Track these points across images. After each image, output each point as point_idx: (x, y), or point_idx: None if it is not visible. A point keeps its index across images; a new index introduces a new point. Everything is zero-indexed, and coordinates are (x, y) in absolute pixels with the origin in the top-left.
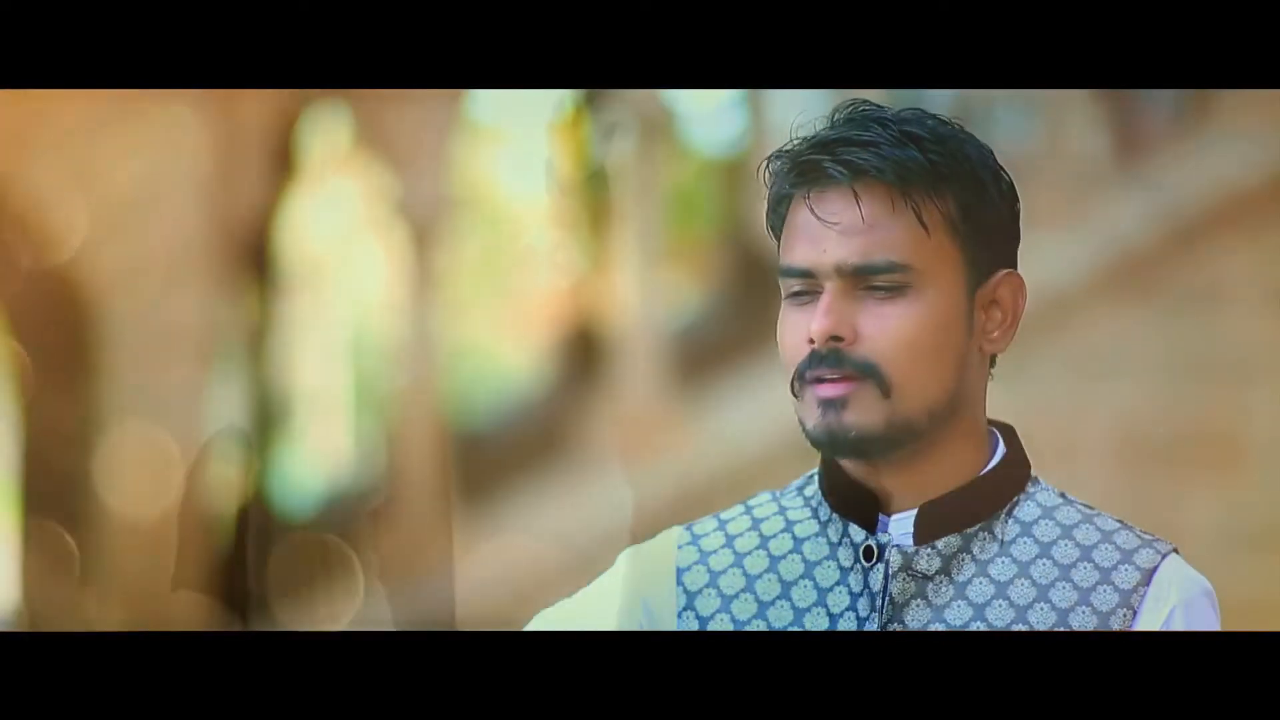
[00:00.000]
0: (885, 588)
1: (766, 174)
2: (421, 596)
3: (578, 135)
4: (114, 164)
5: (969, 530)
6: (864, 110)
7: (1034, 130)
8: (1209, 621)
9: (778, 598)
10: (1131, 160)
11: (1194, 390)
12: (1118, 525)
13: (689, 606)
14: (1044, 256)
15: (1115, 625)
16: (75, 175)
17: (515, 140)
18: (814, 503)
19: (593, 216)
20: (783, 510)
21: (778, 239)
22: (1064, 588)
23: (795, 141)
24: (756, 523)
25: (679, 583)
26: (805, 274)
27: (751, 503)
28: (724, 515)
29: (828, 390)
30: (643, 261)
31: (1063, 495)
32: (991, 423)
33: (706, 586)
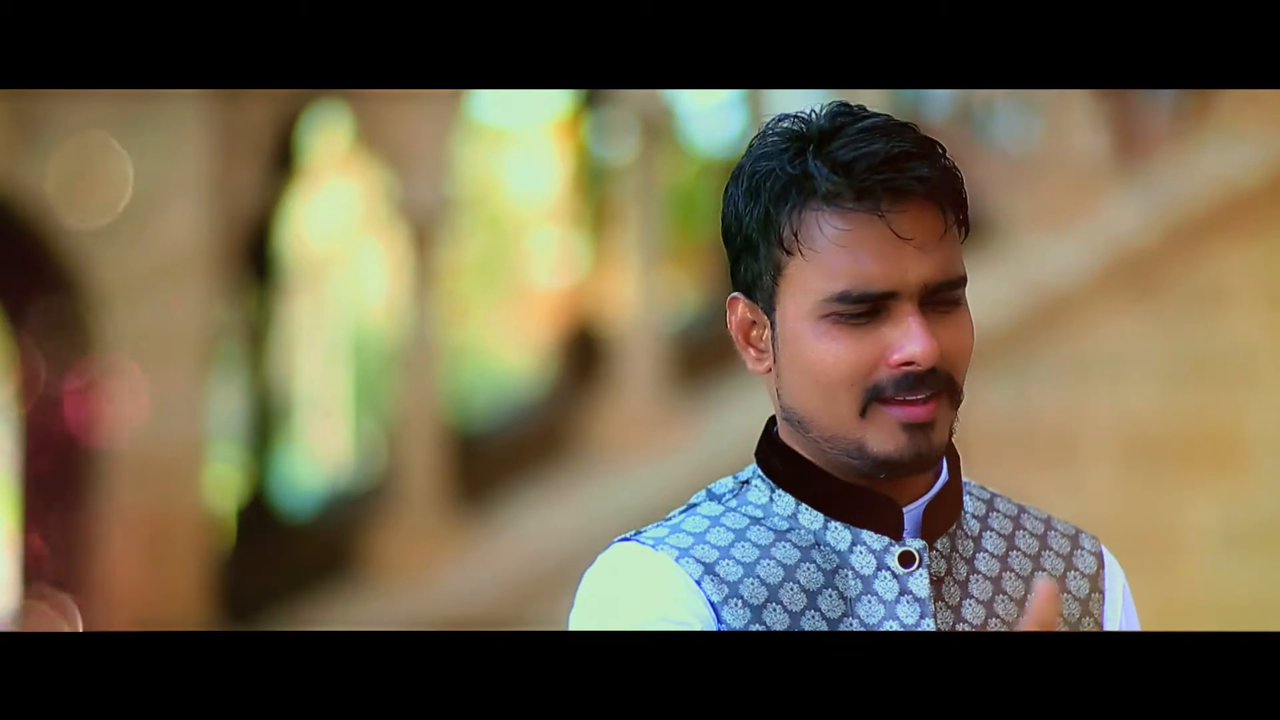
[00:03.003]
0: (935, 593)
1: (779, 193)
2: (421, 596)
3: (578, 135)
4: (114, 164)
5: (950, 530)
6: (868, 119)
7: (1034, 130)
8: (1132, 600)
9: (806, 608)
10: (1131, 160)
11: (1194, 390)
12: (1044, 513)
13: (718, 619)
14: (1044, 256)
15: (1093, 608)
16: (75, 175)
17: (516, 140)
18: (785, 510)
19: (593, 216)
20: (758, 520)
21: (776, 264)
22: (1042, 578)
23: (813, 161)
24: (740, 533)
25: (706, 599)
26: (887, 295)
27: (705, 512)
28: (689, 528)
29: (917, 413)
30: (643, 261)
31: (982, 486)
32: None
33: (730, 597)
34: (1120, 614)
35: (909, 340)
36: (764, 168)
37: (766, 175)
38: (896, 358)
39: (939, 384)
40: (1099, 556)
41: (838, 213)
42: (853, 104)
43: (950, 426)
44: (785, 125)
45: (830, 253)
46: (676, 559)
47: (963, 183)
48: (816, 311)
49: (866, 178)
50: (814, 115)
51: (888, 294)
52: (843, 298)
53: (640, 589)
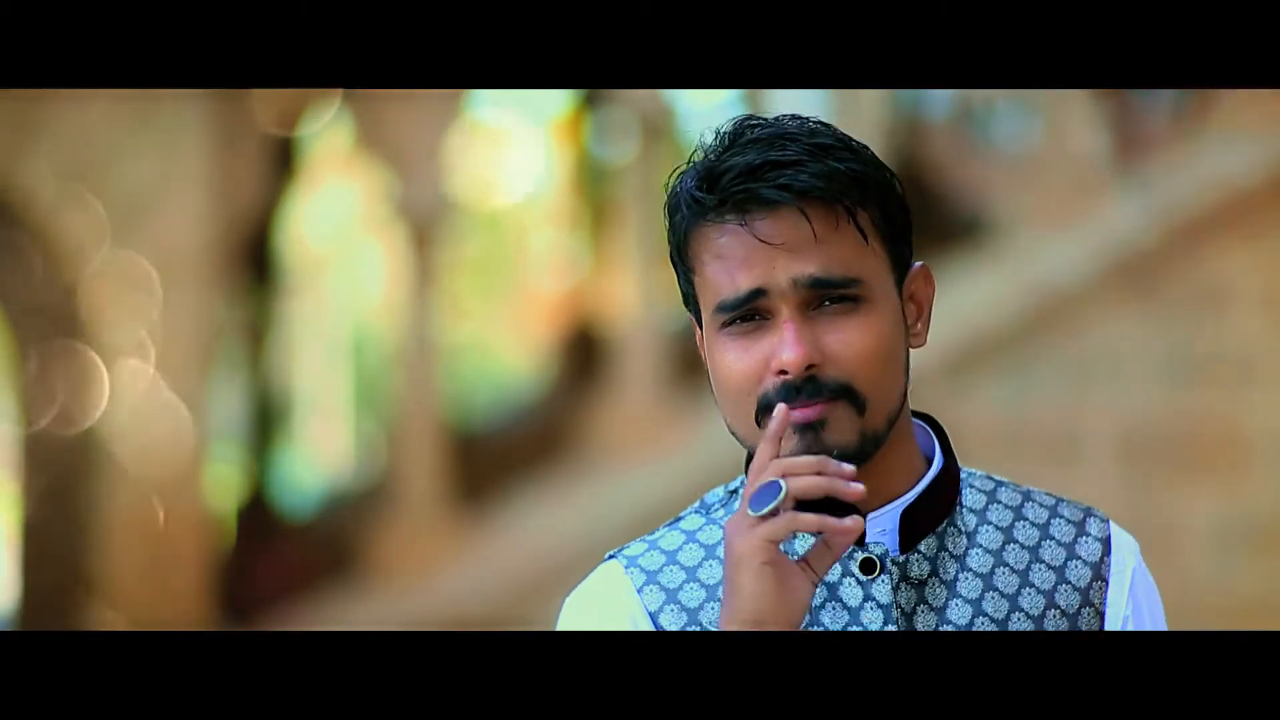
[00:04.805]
0: (895, 599)
1: (674, 221)
2: (421, 596)
3: (578, 135)
4: (114, 164)
5: (939, 529)
6: (761, 129)
7: (1034, 130)
8: (1149, 576)
9: None
10: (1131, 160)
11: (1194, 390)
12: (1053, 498)
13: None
14: (1044, 256)
15: (1094, 597)
16: (76, 175)
17: (516, 140)
18: None
19: (593, 217)
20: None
21: (691, 282)
22: (1039, 569)
23: (695, 178)
24: (710, 549)
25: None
26: (755, 294)
27: (686, 526)
28: (665, 545)
29: (804, 413)
30: (643, 261)
31: (989, 476)
32: (916, 414)
33: (689, 625)
34: (1127, 598)
35: (782, 346)
36: (672, 190)
37: (671, 198)
38: (773, 365)
39: (825, 394)
40: (1105, 542)
41: (712, 225)
42: (767, 117)
43: (854, 428)
44: (701, 145)
45: (711, 266)
46: (639, 589)
47: (873, 182)
48: (714, 324)
49: (727, 189)
50: (717, 133)
51: (756, 292)
52: (720, 307)
53: (600, 621)
